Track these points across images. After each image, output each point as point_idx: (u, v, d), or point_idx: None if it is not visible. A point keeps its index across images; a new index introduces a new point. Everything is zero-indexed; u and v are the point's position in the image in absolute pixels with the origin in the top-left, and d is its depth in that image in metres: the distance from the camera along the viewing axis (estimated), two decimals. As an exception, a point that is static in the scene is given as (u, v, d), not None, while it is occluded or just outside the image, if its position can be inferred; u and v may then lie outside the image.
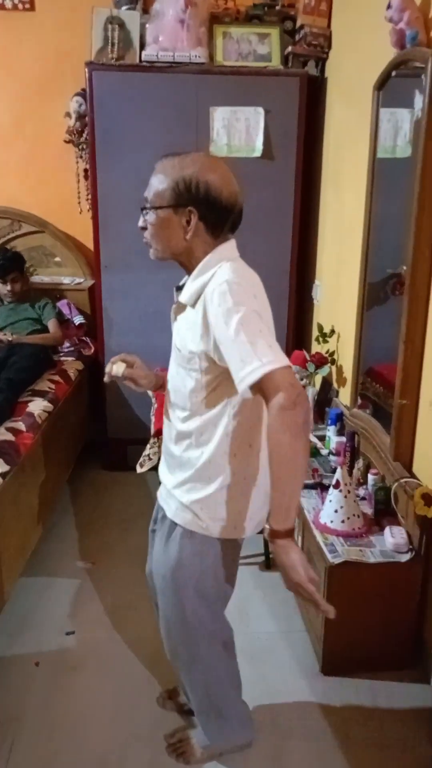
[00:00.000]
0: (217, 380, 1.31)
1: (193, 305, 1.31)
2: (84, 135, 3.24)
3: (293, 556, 1.17)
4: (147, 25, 2.98)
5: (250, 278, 1.30)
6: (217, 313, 1.21)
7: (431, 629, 1.96)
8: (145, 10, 3.04)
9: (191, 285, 1.32)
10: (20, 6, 3.22)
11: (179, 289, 1.39)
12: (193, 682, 1.60)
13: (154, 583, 1.57)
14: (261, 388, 1.15)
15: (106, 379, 1.47)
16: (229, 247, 1.35)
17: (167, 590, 1.49)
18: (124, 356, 1.48)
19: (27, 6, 3.22)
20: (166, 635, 1.58)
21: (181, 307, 1.37)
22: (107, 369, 1.46)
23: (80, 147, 3.34)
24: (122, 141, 2.98)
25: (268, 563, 2.56)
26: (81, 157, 3.37)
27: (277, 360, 1.15)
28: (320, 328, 2.93)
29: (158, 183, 1.30)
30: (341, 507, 2.00)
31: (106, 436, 3.37)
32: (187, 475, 1.40)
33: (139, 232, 1.36)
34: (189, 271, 1.36)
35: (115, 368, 1.44)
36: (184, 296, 1.34)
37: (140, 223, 1.35)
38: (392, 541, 1.93)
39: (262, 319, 1.21)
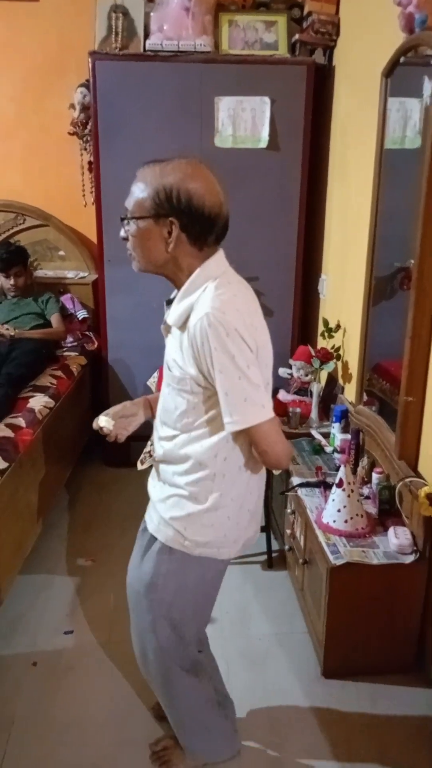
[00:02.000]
0: (211, 401, 1.26)
1: (180, 327, 1.25)
2: (88, 127, 3.19)
3: None
4: (151, 14, 2.93)
5: (232, 302, 1.21)
6: (205, 352, 1.19)
7: (436, 633, 1.91)
8: (150, -2, 2.99)
9: (177, 306, 1.26)
10: (23, -5, 3.17)
11: (169, 303, 1.32)
12: (171, 708, 1.57)
13: (128, 594, 1.52)
14: (246, 434, 1.25)
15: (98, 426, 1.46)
16: (216, 261, 1.27)
17: (140, 609, 1.45)
18: (108, 412, 1.46)
19: (30, -5, 3.17)
20: (140, 654, 1.53)
21: (169, 327, 1.31)
22: (95, 424, 1.45)
23: (84, 139, 3.30)
24: (126, 132, 2.93)
25: (270, 562, 2.51)
26: (85, 149, 3.33)
27: (260, 414, 1.20)
28: (326, 322, 2.87)
29: (138, 192, 1.23)
30: (344, 506, 1.95)
31: (109, 432, 3.33)
32: (172, 491, 1.36)
33: (122, 244, 1.30)
34: (176, 285, 1.30)
35: (103, 424, 1.44)
36: (171, 317, 1.28)
37: (121, 234, 1.28)
38: (396, 542, 1.88)
39: (241, 364, 1.18)
